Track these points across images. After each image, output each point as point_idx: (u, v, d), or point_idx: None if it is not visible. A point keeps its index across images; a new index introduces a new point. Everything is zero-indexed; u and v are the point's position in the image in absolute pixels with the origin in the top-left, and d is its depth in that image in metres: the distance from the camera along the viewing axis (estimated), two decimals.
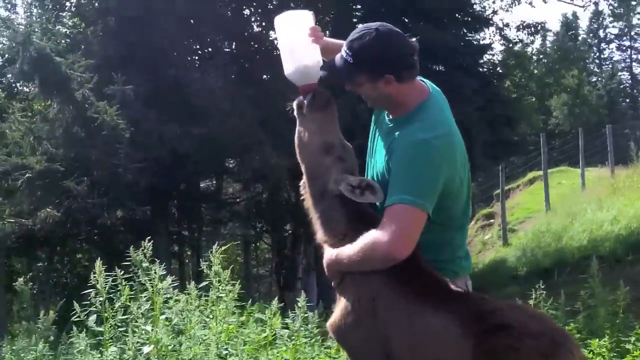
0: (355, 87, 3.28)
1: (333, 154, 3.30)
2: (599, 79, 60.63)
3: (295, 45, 3.46)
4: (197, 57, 18.86)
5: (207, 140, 15.12)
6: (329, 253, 3.22)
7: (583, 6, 24.73)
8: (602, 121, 39.32)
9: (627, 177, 20.23)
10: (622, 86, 63.79)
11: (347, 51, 3.18)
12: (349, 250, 3.12)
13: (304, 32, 3.45)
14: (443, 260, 3.32)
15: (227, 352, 4.93)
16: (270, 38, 20.45)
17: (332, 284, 3.33)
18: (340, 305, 3.16)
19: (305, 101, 3.39)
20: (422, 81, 3.40)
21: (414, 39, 3.27)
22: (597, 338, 5.43)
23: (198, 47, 18.72)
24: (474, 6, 21.26)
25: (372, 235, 3.05)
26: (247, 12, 19.71)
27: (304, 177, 3.41)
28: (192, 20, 17.69)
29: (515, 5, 24.82)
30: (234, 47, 19.37)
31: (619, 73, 65.59)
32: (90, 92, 14.53)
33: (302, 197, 3.45)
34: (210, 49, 18.71)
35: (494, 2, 24.64)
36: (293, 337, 4.58)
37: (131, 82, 14.77)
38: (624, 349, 5.31)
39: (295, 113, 3.44)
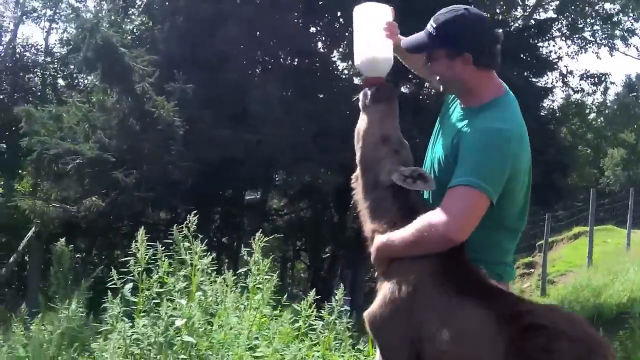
0: (432, 61, 3.26)
1: (389, 146, 3.30)
2: None
3: (369, 36, 3.49)
4: (259, 66, 19.00)
5: (259, 147, 15.16)
6: (379, 238, 3.16)
7: None
8: None
9: None
10: None
11: (432, 24, 3.20)
12: (403, 231, 3.06)
13: (381, 25, 3.48)
14: (489, 261, 3.25)
15: (257, 341, 4.87)
16: (333, 58, 20.56)
17: (376, 274, 3.28)
18: (380, 295, 3.12)
19: (369, 92, 3.38)
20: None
21: (500, 31, 3.28)
22: None
23: (260, 56, 18.83)
24: (541, 49, 21.18)
25: (429, 215, 3.01)
26: (313, 30, 19.78)
27: (358, 168, 3.40)
28: (257, 31, 17.84)
29: (581, 53, 24.76)
30: (296, 61, 19.45)
31: None
32: (150, 86, 14.69)
33: (352, 190, 3.44)
34: (272, 60, 18.83)
35: (560, 48, 24.50)
36: (326, 329, 4.49)
37: (191, 81, 14.90)
38: None
39: (359, 103, 3.45)
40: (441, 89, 3.39)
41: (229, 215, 20.62)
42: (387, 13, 3.53)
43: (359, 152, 3.39)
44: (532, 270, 27.05)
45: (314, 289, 4.61)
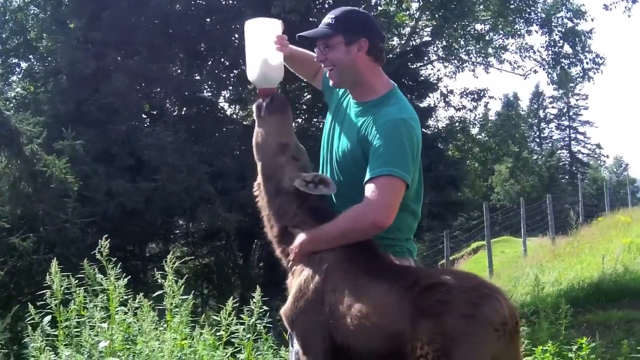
0: (330, 50, 3.52)
1: (288, 154, 3.55)
2: (539, 156, 62.23)
3: (260, 51, 3.72)
4: (147, 117, 19.01)
5: (156, 195, 15.13)
6: (303, 235, 3.38)
7: (524, 75, 25.55)
8: (542, 197, 40.44)
9: (568, 244, 20.83)
10: (561, 163, 65.65)
11: (330, 16, 3.54)
12: (330, 225, 3.35)
13: (271, 39, 3.70)
14: (402, 239, 3.56)
15: (182, 353, 4.96)
16: (220, 105, 20.75)
17: (289, 268, 3.48)
18: (293, 290, 3.38)
19: (264, 104, 3.60)
20: None
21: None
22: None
23: (148, 107, 18.85)
24: (421, 72, 21.94)
25: (357, 207, 3.31)
26: (198, 77, 19.96)
27: (259, 176, 3.61)
28: (142, 82, 17.89)
29: (459, 72, 25.82)
30: (184, 109, 19.54)
31: (558, 151, 67.62)
32: (39, 147, 14.46)
33: (256, 197, 3.63)
34: (160, 110, 18.86)
35: (438, 70, 25.36)
36: (248, 333, 4.63)
37: (81, 137, 14.79)
38: (566, 357, 5.46)
39: (254, 115, 3.66)
40: (336, 78, 3.64)
41: (132, 269, 20.35)
42: (276, 26, 3.75)
43: (260, 162, 3.60)
44: None
45: (232, 298, 4.73)
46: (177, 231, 20.46)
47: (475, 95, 25.52)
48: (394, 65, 17.40)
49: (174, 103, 19.40)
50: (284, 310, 3.40)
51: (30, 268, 15.73)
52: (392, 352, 3.02)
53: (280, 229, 3.51)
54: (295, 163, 3.54)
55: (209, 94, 20.24)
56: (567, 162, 69.27)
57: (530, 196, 44.37)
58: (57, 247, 15.46)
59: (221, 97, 21.04)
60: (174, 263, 5.24)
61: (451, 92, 24.90)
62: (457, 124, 25.74)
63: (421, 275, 3.14)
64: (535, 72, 25.15)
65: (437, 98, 24.02)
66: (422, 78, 20.86)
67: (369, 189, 3.28)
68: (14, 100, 19.23)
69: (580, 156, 71.26)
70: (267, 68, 3.69)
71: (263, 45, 3.69)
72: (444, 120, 25.91)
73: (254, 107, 3.69)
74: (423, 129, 19.08)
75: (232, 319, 4.71)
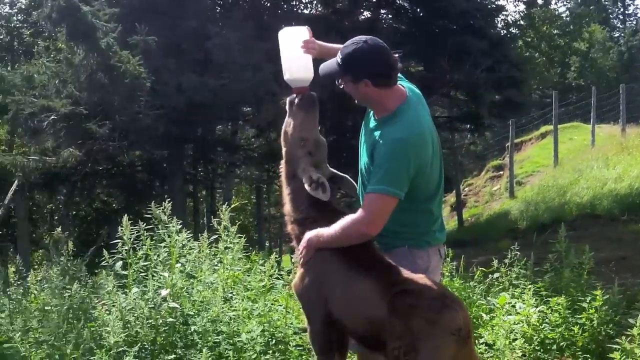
0: (343, 84, 4.08)
1: (305, 148, 4.16)
2: (622, 34, 60.37)
3: (291, 56, 4.30)
4: (217, 9, 19.41)
5: (223, 91, 15.79)
6: (310, 233, 4.05)
7: None
8: (619, 79, 39.38)
9: (637, 135, 20.72)
10: None
11: (340, 55, 3.98)
12: (330, 229, 3.98)
13: (299, 44, 4.27)
14: (419, 232, 4.19)
15: (231, 295, 5.81)
16: None
17: (295, 254, 4.23)
18: (300, 270, 4.13)
19: (295, 99, 4.21)
20: (402, 85, 4.16)
21: (397, 54, 4.07)
22: (561, 295, 6.12)
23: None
24: None
25: (352, 217, 3.92)
26: None
27: (284, 157, 4.26)
28: None
29: None
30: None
31: None
32: (114, 40, 15.19)
33: (280, 174, 4.32)
34: (229, 1, 19.22)
35: None
36: (286, 286, 5.44)
37: (153, 32, 15.40)
38: (580, 307, 5.89)
39: (286, 107, 4.29)
40: (356, 101, 4.23)
41: (202, 151, 21.33)
42: (304, 32, 4.32)
43: (284, 147, 4.25)
44: (502, 172, 27.86)
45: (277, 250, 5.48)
46: (246, 118, 21.22)
47: None
48: None
49: None
50: (293, 283, 4.21)
51: (106, 150, 16.85)
52: (372, 335, 3.80)
53: (288, 212, 4.21)
54: (309, 158, 4.14)
55: None
56: None
57: (610, 76, 43.51)
58: (130, 134, 16.50)
59: None
60: (228, 211, 5.95)
61: None
62: (526, 20, 25.35)
63: (399, 279, 3.81)
64: None
65: None
66: None
67: (365, 202, 3.92)
68: None
69: None
70: (296, 71, 4.28)
71: (292, 49, 4.27)
72: (514, 14, 25.53)
73: (287, 100, 4.31)
74: (490, 29, 18.99)
75: (274, 270, 5.49)
